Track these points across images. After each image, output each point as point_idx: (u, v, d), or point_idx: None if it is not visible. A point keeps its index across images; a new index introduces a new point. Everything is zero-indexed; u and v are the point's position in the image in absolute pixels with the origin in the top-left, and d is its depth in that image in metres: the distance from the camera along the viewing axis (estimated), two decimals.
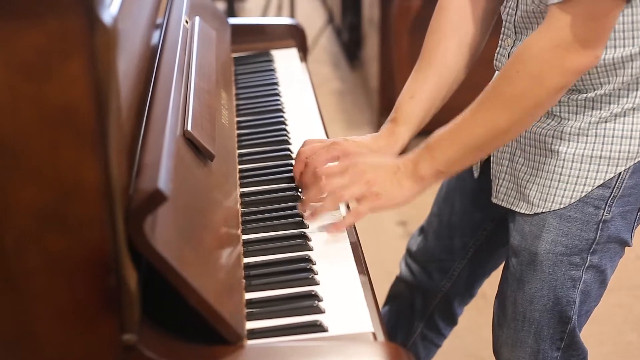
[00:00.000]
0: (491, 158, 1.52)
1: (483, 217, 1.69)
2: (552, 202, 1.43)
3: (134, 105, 1.18)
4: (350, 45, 4.34)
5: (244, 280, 1.24)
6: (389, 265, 1.91)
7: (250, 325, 1.15)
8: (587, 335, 1.54)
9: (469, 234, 1.72)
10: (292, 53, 2.05)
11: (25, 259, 0.99)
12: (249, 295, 1.21)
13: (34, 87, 0.93)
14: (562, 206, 1.43)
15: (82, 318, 1.02)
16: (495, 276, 1.66)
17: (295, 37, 2.09)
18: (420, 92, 1.50)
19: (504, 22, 1.47)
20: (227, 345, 1.10)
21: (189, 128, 1.27)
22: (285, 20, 2.18)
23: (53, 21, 0.91)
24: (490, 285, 1.77)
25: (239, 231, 1.35)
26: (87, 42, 0.91)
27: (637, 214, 1.45)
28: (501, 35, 1.48)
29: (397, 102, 1.53)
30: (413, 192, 1.36)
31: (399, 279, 1.86)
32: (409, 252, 1.83)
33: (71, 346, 1.03)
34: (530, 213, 1.46)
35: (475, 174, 1.62)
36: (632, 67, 1.36)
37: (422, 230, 1.80)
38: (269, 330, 1.15)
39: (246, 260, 1.29)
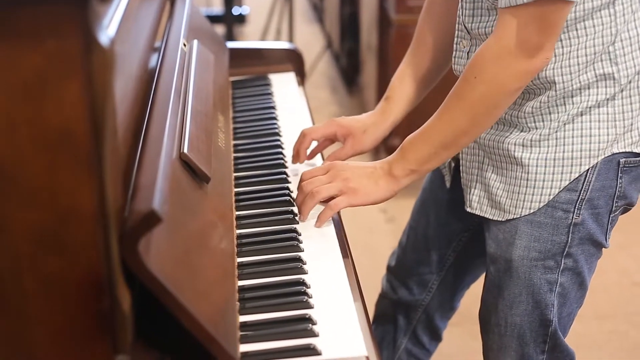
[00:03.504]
0: (460, 167, 1.55)
1: (458, 227, 1.72)
2: (522, 207, 1.46)
3: (130, 126, 1.18)
4: (348, 70, 4.35)
5: (238, 303, 1.24)
6: None
7: (244, 348, 1.15)
8: None
9: (444, 246, 1.75)
10: (290, 77, 2.06)
11: (21, 282, 0.98)
12: (243, 318, 1.21)
13: (31, 108, 0.93)
14: (531, 211, 1.45)
15: (77, 339, 1.02)
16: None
17: (293, 61, 2.10)
18: (411, 74, 1.61)
19: (457, 25, 1.50)
20: None
21: (185, 150, 1.27)
22: (283, 44, 2.19)
23: (51, 42, 0.91)
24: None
25: (234, 254, 1.35)
26: (85, 64, 0.91)
27: (609, 216, 1.48)
28: (455, 39, 1.51)
29: (391, 82, 1.64)
30: (388, 190, 1.44)
31: (381, 296, 1.88)
32: (389, 268, 1.85)
33: None
34: (503, 220, 1.49)
35: (448, 184, 1.65)
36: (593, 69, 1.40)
37: (400, 244, 1.82)
38: (263, 353, 1.15)
39: (241, 282, 1.29)
